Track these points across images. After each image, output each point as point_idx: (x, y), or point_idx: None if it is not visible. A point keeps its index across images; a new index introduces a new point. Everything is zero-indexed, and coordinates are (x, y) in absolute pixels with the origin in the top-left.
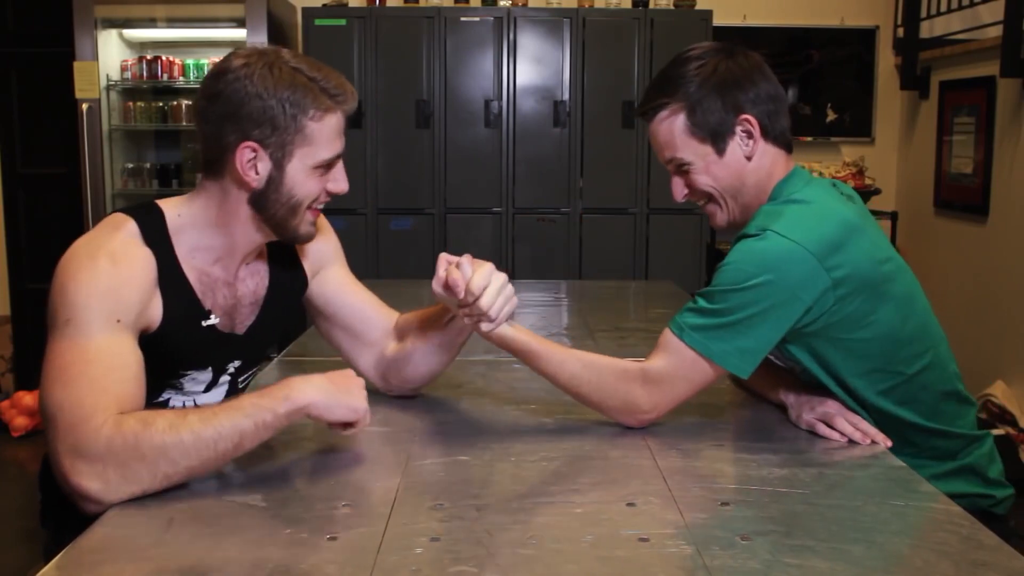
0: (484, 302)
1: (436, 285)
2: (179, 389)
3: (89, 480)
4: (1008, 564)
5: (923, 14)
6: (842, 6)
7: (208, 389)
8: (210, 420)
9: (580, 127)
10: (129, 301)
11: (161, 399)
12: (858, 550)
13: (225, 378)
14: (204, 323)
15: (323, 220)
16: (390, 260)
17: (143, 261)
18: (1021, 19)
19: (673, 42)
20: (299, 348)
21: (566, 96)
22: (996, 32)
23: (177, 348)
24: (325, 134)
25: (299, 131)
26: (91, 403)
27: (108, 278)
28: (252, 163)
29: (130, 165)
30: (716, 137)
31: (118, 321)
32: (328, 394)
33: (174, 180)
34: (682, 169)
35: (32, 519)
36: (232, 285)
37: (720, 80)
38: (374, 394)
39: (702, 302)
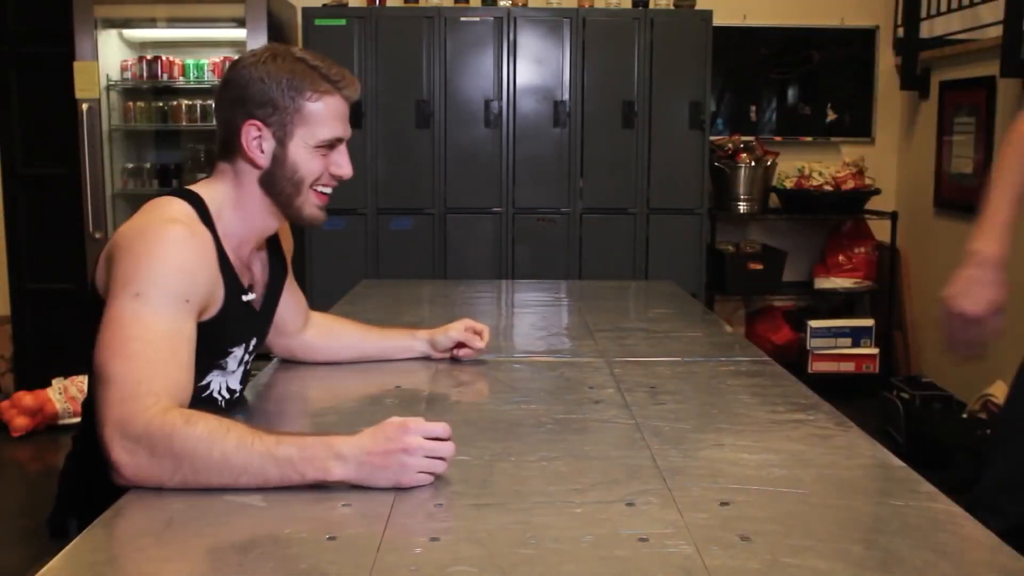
0: None
1: None
2: (223, 369)
3: (122, 453)
4: (1008, 564)
5: (923, 14)
6: (842, 6)
7: (238, 367)
8: (245, 449)
9: (580, 127)
10: (200, 281)
11: (205, 381)
12: (858, 550)
13: (247, 356)
14: (244, 298)
15: (286, 224)
16: (390, 260)
17: (209, 241)
18: (1021, 19)
19: (673, 42)
20: None
21: (566, 96)
22: (996, 32)
23: (229, 325)
24: (323, 115)
25: (297, 111)
26: (146, 384)
27: (184, 256)
28: (257, 141)
29: (130, 165)
30: None
31: (187, 301)
32: (366, 475)
33: (174, 180)
34: None
35: (32, 519)
36: (251, 267)
37: None
38: (379, 395)
39: None
